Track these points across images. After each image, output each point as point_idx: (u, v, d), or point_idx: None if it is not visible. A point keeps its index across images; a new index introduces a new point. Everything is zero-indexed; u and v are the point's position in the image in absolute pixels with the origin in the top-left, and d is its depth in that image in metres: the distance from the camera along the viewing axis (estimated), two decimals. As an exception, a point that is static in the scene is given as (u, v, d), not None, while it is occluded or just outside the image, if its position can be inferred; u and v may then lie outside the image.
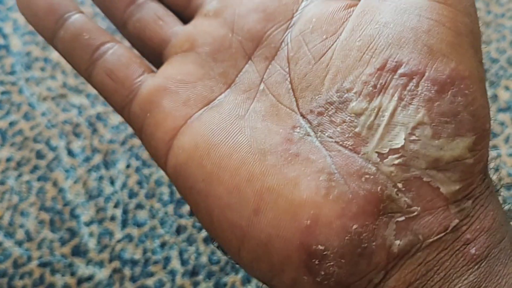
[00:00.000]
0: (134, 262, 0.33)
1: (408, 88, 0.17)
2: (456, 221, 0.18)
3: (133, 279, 0.33)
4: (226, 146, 0.19)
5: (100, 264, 0.33)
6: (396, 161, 0.18)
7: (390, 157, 0.18)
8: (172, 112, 0.20)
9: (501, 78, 0.39)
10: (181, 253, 0.34)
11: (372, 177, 0.18)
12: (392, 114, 0.18)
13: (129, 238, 0.34)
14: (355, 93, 0.18)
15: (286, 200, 0.18)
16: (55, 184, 0.36)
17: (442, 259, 0.18)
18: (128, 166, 0.36)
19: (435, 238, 0.18)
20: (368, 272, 0.18)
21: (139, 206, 0.35)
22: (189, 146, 0.20)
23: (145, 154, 0.37)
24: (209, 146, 0.19)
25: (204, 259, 0.34)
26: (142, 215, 0.35)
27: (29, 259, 0.34)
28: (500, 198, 0.19)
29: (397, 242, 0.17)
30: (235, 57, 0.21)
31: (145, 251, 0.34)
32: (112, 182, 0.36)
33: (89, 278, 0.33)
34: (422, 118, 0.17)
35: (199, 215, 0.20)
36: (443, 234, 0.18)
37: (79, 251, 0.34)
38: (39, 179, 0.36)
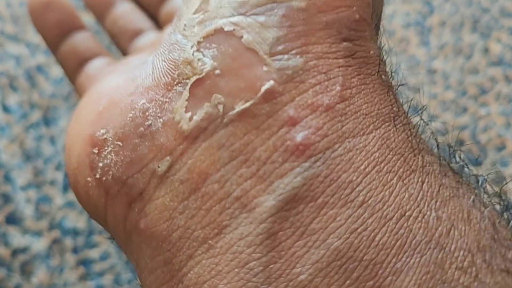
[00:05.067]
0: (76, 232, 0.31)
1: None
2: (271, 83, 0.14)
3: (75, 250, 0.30)
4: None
5: (38, 233, 0.31)
6: (198, 19, 0.15)
7: (192, 16, 0.16)
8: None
9: (493, 29, 0.37)
10: (130, 221, 0.31)
11: (176, 45, 0.16)
12: None
13: (71, 205, 0.31)
14: None
15: (96, 94, 0.18)
16: (-13, 143, 0.33)
17: (253, 145, 0.14)
18: (71, 124, 0.33)
19: (240, 108, 0.14)
20: (150, 159, 0.15)
21: (83, 169, 0.32)
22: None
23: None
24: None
25: (156, 228, 0.31)
26: (86, 178, 0.31)
27: (-44, 227, 0.31)
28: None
29: (187, 115, 0.15)
30: None
31: (89, 219, 0.31)
32: (52, 142, 0.33)
33: (25, 249, 0.30)
34: None
35: None
36: (250, 102, 0.14)
37: (14, 219, 0.31)
38: (-31, 138, 0.33)
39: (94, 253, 0.30)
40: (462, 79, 0.35)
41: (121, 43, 0.26)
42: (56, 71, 0.35)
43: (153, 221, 0.15)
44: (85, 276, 0.30)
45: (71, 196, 0.31)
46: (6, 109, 0.33)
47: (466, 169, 0.15)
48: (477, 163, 0.32)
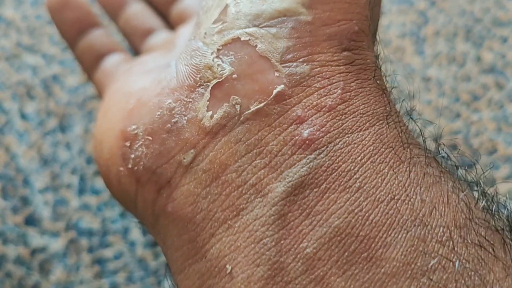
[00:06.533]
0: (91, 232, 0.32)
1: None
2: (282, 86, 0.16)
3: (90, 250, 0.31)
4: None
5: (55, 234, 0.31)
6: (217, 28, 0.17)
7: (212, 26, 0.17)
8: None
9: (485, 38, 0.37)
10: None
11: (198, 51, 0.17)
12: None
13: (86, 207, 0.32)
14: None
15: (123, 93, 0.19)
16: (7, 149, 0.33)
17: (266, 139, 0.16)
18: (86, 131, 0.34)
19: (255, 108, 0.16)
20: (177, 152, 0.17)
21: (97, 173, 0.33)
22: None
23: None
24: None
25: (166, 228, 0.32)
26: (100, 182, 0.33)
27: (-22, 229, 0.32)
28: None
29: (209, 113, 0.16)
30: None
31: (103, 221, 0.32)
32: (68, 147, 0.34)
33: (44, 248, 0.31)
34: None
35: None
36: (264, 103, 0.16)
37: (32, 221, 0.32)
38: (-11, 144, 0.34)
39: (108, 253, 0.31)
40: (455, 86, 0.35)
41: (133, 42, 0.27)
42: (71, 80, 0.35)
43: (179, 205, 0.16)
44: (100, 274, 0.30)
45: (86, 199, 0.32)
46: (24, 117, 0.34)
47: (449, 161, 0.17)
48: (470, 165, 0.33)
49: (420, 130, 0.17)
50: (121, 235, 0.31)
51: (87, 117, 0.34)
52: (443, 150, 0.17)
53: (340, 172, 0.15)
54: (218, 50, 0.17)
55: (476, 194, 0.16)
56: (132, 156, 0.17)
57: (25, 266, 0.30)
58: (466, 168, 0.17)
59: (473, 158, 0.33)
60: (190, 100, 0.17)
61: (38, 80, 0.36)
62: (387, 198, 0.14)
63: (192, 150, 0.16)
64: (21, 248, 0.31)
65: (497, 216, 0.15)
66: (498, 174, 0.32)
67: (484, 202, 0.15)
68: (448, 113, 0.35)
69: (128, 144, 0.18)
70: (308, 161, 0.15)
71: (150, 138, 0.17)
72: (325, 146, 0.15)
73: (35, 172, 0.33)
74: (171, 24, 0.27)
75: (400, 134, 0.16)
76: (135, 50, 0.27)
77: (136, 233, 0.32)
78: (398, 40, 0.37)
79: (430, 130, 0.34)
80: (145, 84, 0.19)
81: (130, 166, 0.17)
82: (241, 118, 0.16)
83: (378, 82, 0.17)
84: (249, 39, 0.16)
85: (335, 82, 0.16)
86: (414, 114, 0.18)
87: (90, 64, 0.26)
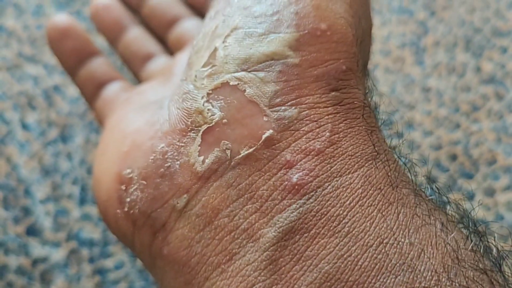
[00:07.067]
0: (92, 243, 0.32)
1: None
2: (271, 131, 0.16)
3: (91, 260, 0.31)
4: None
5: (57, 244, 0.31)
6: (207, 72, 0.17)
7: (202, 69, 0.17)
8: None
9: (484, 49, 0.38)
10: (142, 233, 0.32)
11: (188, 95, 0.17)
12: (213, 31, 0.18)
13: (87, 217, 0.32)
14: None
15: (119, 133, 0.20)
16: (8, 159, 0.34)
17: (256, 184, 0.16)
18: (87, 141, 0.34)
19: (245, 153, 0.16)
20: (170, 196, 0.17)
21: (98, 183, 0.33)
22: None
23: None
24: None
25: (166, 239, 0.32)
26: (101, 192, 0.33)
27: (-20, 239, 0.32)
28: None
29: (200, 158, 0.16)
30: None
31: (104, 231, 0.32)
32: (69, 158, 0.34)
33: (45, 258, 0.31)
34: (236, 24, 0.17)
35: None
36: (253, 148, 0.16)
37: (34, 231, 0.32)
38: (-9, 154, 0.34)
39: (109, 263, 0.31)
40: (455, 96, 0.35)
41: (133, 67, 0.27)
42: (72, 91, 0.36)
43: (174, 248, 0.16)
44: (101, 284, 0.30)
45: (87, 209, 0.32)
46: (25, 127, 0.34)
47: (438, 196, 0.17)
48: (469, 176, 0.33)
49: (409, 169, 0.17)
50: (122, 245, 0.32)
51: (88, 127, 0.35)
52: (434, 186, 0.17)
53: (329, 217, 0.15)
54: (208, 94, 0.17)
55: (465, 231, 0.16)
56: (128, 199, 0.18)
57: (27, 276, 0.30)
58: (457, 203, 0.17)
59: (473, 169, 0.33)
60: (182, 144, 0.17)
61: (39, 90, 0.36)
62: (375, 243, 0.15)
63: (185, 195, 0.16)
64: (23, 258, 0.31)
65: (485, 256, 0.15)
66: (498, 184, 0.33)
67: (472, 242, 0.15)
68: (447, 123, 0.35)
69: (123, 187, 0.18)
70: (297, 206, 0.15)
71: (144, 182, 0.17)
72: (314, 191, 0.15)
73: (36, 182, 0.33)
74: (169, 48, 0.27)
75: (389, 174, 0.16)
76: (135, 76, 0.27)
77: (136, 244, 0.32)
78: (398, 50, 0.38)
79: (430, 140, 0.34)
80: (139, 125, 0.19)
81: (126, 209, 0.18)
82: (232, 163, 0.16)
83: (367, 120, 0.17)
84: (238, 84, 0.16)
85: (323, 125, 0.16)
86: (404, 149, 0.18)
87: (91, 93, 0.26)
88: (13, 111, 0.35)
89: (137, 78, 0.28)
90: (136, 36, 0.27)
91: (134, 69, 0.27)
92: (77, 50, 0.26)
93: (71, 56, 0.26)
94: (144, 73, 0.26)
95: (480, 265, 0.15)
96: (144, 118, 0.19)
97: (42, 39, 0.37)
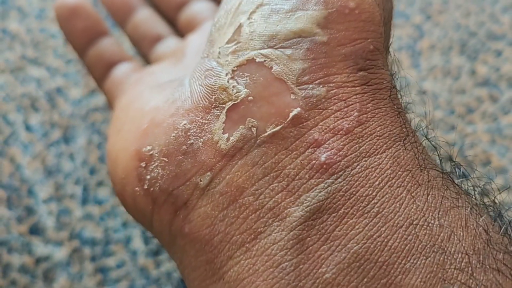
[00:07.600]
0: (94, 242, 0.32)
1: None
2: (298, 109, 0.15)
3: (93, 258, 0.32)
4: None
5: (59, 243, 0.32)
6: (232, 49, 0.17)
7: (226, 46, 0.17)
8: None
9: (479, 52, 0.38)
10: (143, 232, 0.32)
11: (212, 72, 0.17)
12: (237, 8, 0.17)
13: (89, 217, 0.33)
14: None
15: (135, 111, 0.19)
16: (12, 160, 0.34)
17: (283, 163, 0.15)
18: (89, 142, 0.35)
19: (271, 131, 0.15)
20: (193, 174, 0.16)
21: (100, 184, 0.34)
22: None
23: (106, 130, 0.35)
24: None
25: (167, 238, 0.32)
26: (103, 192, 0.33)
27: (-16, 238, 0.32)
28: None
29: (225, 136, 0.16)
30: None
31: (106, 230, 0.32)
32: (72, 158, 0.34)
33: (48, 257, 0.31)
34: (262, 1, 0.16)
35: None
36: (280, 126, 0.15)
37: (37, 230, 0.32)
38: (-5, 155, 0.34)
39: (110, 261, 0.31)
40: (450, 99, 0.36)
41: (142, 48, 0.26)
42: (75, 92, 0.36)
43: (196, 226, 0.16)
44: (103, 283, 0.31)
45: (89, 208, 0.33)
46: (28, 128, 0.35)
47: (466, 182, 0.17)
48: (465, 176, 0.33)
49: (437, 150, 0.17)
50: (123, 244, 0.32)
51: (90, 128, 0.35)
52: (461, 170, 0.17)
53: (358, 197, 0.15)
54: (233, 71, 0.16)
55: (493, 214, 0.16)
56: (148, 177, 0.17)
57: (30, 274, 0.31)
58: (482, 187, 0.17)
59: (473, 169, 0.33)
60: (206, 121, 0.16)
61: (42, 92, 0.36)
62: (405, 224, 0.14)
63: (208, 173, 0.16)
64: (26, 257, 0.31)
65: None
66: (492, 185, 0.33)
67: (503, 226, 0.15)
68: (443, 125, 0.35)
69: (143, 164, 0.17)
70: (326, 185, 0.15)
71: (166, 159, 0.17)
72: (343, 171, 0.15)
73: (39, 183, 0.33)
74: (179, 30, 0.26)
75: (417, 156, 0.16)
76: (144, 57, 0.27)
77: (138, 242, 0.32)
78: (394, 54, 0.38)
79: (426, 143, 0.34)
80: (158, 103, 0.18)
81: (146, 187, 0.17)
82: (258, 141, 0.16)
83: (393, 101, 0.16)
84: (264, 61, 0.16)
85: (351, 104, 0.16)
86: (430, 132, 0.18)
87: (100, 73, 0.25)
88: (17, 112, 0.35)
89: (146, 60, 0.27)
90: (146, 17, 0.27)
91: (143, 51, 0.26)
92: (87, 29, 0.25)
93: (81, 36, 0.25)
94: (154, 55, 0.26)
95: (510, 248, 0.15)
96: (163, 96, 0.19)
97: (45, 42, 0.38)
